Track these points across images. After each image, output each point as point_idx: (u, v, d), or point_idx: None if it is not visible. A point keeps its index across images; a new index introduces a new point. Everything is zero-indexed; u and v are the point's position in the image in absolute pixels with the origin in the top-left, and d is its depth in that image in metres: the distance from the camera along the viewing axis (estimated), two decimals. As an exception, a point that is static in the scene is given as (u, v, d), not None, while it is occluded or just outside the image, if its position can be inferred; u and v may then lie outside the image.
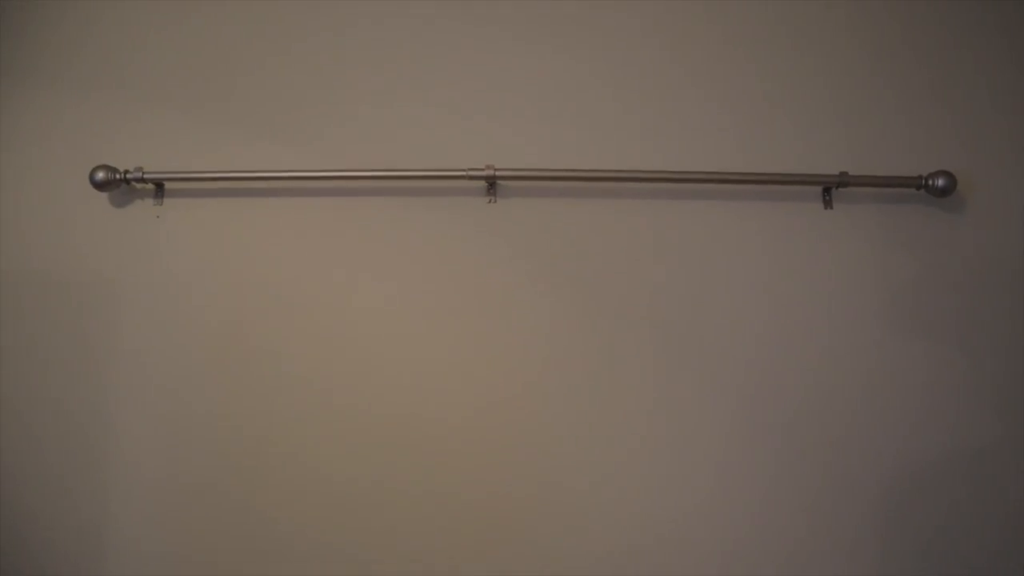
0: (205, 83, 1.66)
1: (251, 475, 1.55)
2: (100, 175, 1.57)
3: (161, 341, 1.58)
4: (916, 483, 1.56)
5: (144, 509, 1.55)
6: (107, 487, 1.55)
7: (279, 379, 1.57)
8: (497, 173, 1.55)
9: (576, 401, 1.57)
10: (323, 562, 1.53)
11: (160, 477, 1.55)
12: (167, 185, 1.62)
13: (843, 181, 1.58)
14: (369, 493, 1.55)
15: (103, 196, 1.62)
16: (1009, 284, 1.61)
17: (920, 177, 1.59)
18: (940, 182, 1.58)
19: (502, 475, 1.55)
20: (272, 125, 1.65)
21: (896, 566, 1.54)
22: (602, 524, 1.54)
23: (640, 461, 1.56)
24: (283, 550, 1.54)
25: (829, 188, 1.62)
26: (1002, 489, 1.56)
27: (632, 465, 1.56)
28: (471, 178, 1.55)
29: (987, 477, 1.56)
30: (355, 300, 1.59)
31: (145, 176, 1.57)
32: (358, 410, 1.56)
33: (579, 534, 1.54)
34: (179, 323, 1.59)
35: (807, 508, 1.55)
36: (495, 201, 1.62)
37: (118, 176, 1.57)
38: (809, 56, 1.68)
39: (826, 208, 1.63)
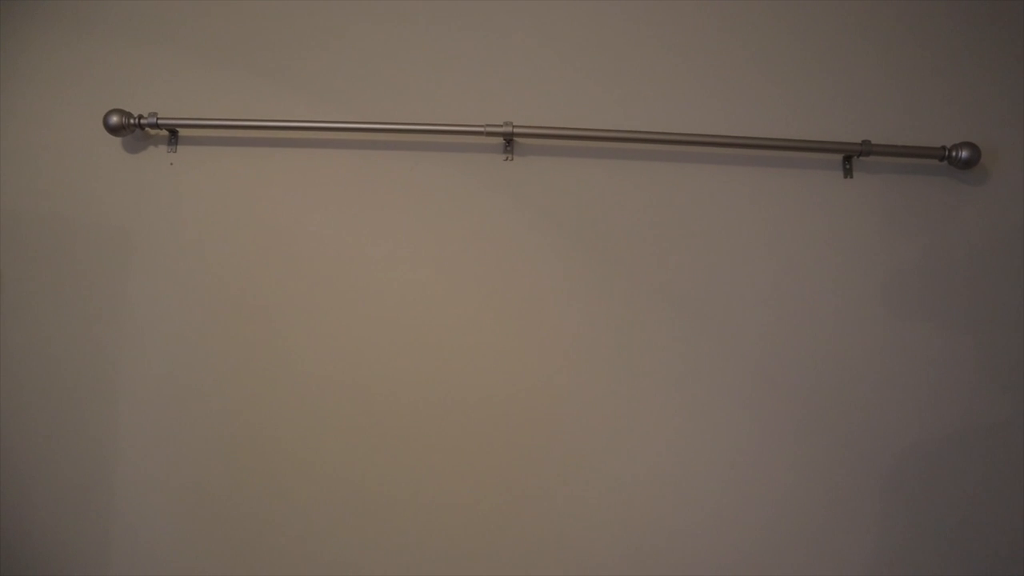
0: (223, 31, 1.63)
1: (261, 435, 1.56)
2: (114, 119, 1.55)
3: (171, 289, 1.58)
4: (931, 461, 1.56)
5: (152, 466, 1.55)
6: (113, 440, 1.56)
7: (289, 333, 1.57)
8: (515, 130, 1.53)
9: (590, 367, 1.56)
10: (325, 556, 1.54)
11: (168, 430, 1.56)
12: (181, 132, 1.61)
13: (865, 150, 1.56)
14: (376, 473, 1.56)
15: (117, 141, 1.61)
16: (1028, 259, 1.60)
17: (944, 148, 1.57)
18: (964, 154, 1.56)
19: (518, 450, 1.55)
20: (289, 75, 1.63)
21: (910, 544, 1.55)
22: (621, 504, 1.56)
23: (653, 430, 1.56)
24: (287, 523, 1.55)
25: (850, 156, 1.60)
26: (1015, 467, 1.57)
27: (645, 434, 1.56)
28: (489, 134, 1.54)
29: (1000, 455, 1.57)
30: (367, 254, 1.58)
31: (159, 122, 1.55)
32: (365, 370, 1.56)
33: (594, 513, 1.56)
34: (189, 272, 1.58)
35: (821, 487, 1.55)
36: (512, 159, 1.60)
37: (132, 121, 1.55)
38: (835, 21, 1.64)
39: (846, 177, 1.61)
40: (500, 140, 1.58)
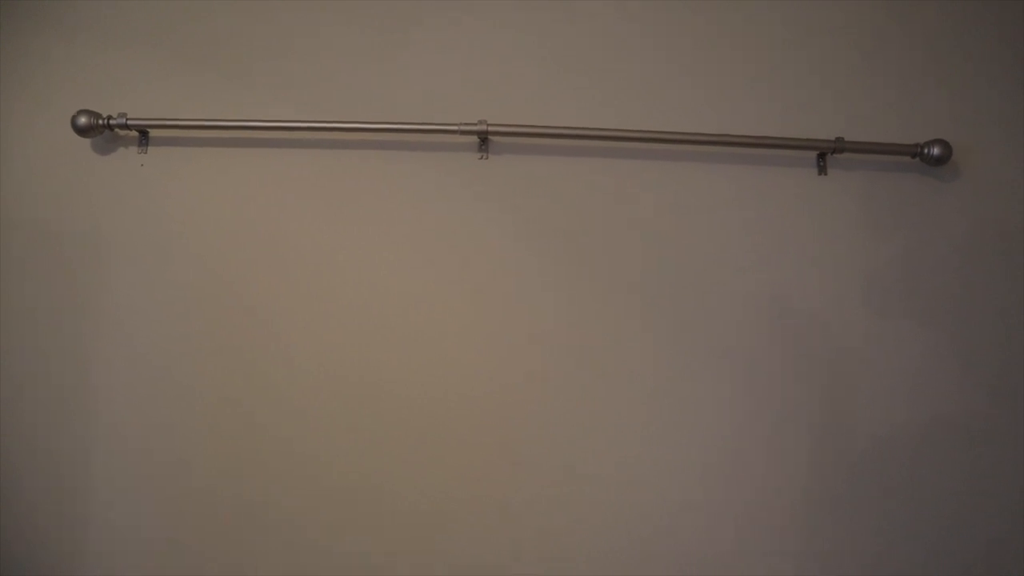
0: (192, 30, 1.62)
1: (237, 438, 1.53)
2: (82, 120, 1.53)
3: (144, 293, 1.55)
4: (910, 456, 1.57)
5: (126, 476, 1.52)
6: (88, 448, 1.53)
7: (264, 336, 1.55)
8: (490, 128, 1.52)
9: (568, 365, 1.56)
10: (313, 550, 1.52)
11: (143, 437, 1.53)
12: (152, 133, 1.58)
13: (839, 147, 1.57)
14: (354, 465, 1.54)
15: (85, 142, 1.58)
16: (1002, 255, 1.61)
17: (916, 145, 1.58)
18: (936, 151, 1.57)
19: (494, 448, 1.54)
20: (261, 75, 1.61)
21: (890, 537, 1.55)
22: (594, 494, 1.55)
23: (632, 426, 1.55)
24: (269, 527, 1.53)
25: (824, 154, 1.61)
26: (992, 464, 1.57)
27: (623, 429, 1.55)
28: (463, 133, 1.53)
29: (978, 449, 1.57)
30: (341, 255, 1.57)
31: (129, 123, 1.53)
32: (339, 368, 1.55)
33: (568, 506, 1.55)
34: (162, 275, 1.56)
35: (799, 483, 1.55)
36: (487, 157, 1.59)
37: (101, 122, 1.53)
38: (809, 19, 1.65)
39: (820, 174, 1.62)
40: (475, 139, 1.57)
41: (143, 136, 1.58)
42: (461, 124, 1.52)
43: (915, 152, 1.58)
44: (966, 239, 1.61)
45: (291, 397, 1.54)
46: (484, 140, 1.57)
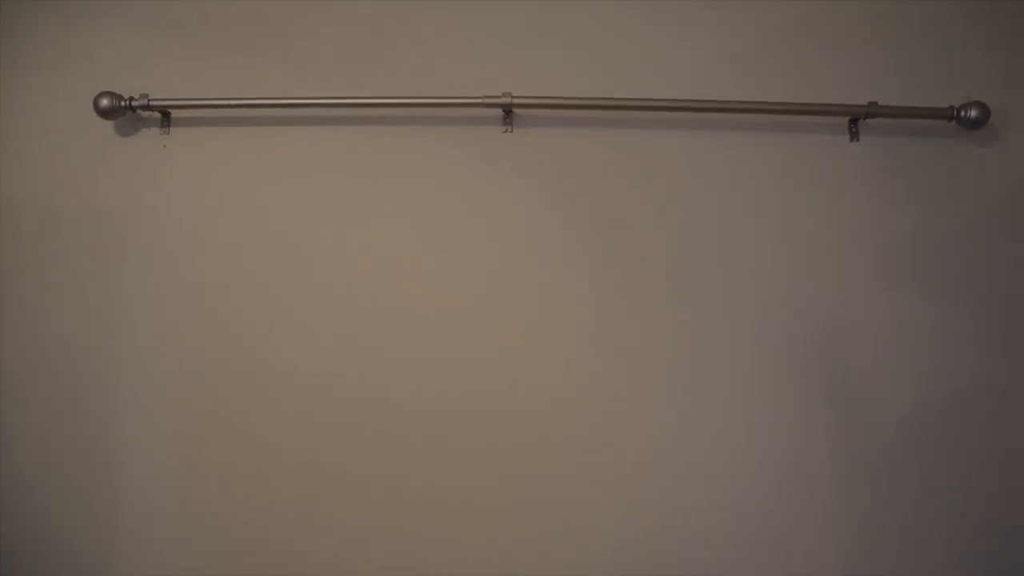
0: (213, 9, 1.60)
1: (260, 426, 1.53)
2: (104, 102, 1.52)
3: (168, 274, 1.55)
4: (935, 423, 1.54)
5: (149, 454, 1.53)
6: (109, 432, 1.53)
7: (287, 315, 1.54)
8: (514, 101, 1.50)
9: (595, 344, 1.53)
10: (321, 550, 1.51)
11: (165, 418, 1.53)
12: (174, 114, 1.58)
13: (871, 112, 1.53)
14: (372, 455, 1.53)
15: (108, 124, 1.58)
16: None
17: (952, 108, 1.54)
18: (973, 113, 1.53)
19: (522, 435, 1.52)
20: (282, 52, 1.59)
21: (916, 506, 1.53)
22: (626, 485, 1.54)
23: (658, 407, 1.53)
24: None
25: (856, 119, 1.57)
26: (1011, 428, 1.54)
27: (651, 411, 1.53)
28: (487, 106, 1.50)
29: (995, 420, 1.54)
30: (366, 233, 1.56)
31: (151, 104, 1.53)
32: (365, 353, 1.54)
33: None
34: (187, 256, 1.56)
35: (827, 458, 1.53)
36: (511, 131, 1.57)
37: (123, 103, 1.52)
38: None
39: (852, 140, 1.58)
40: (499, 111, 1.54)
41: (165, 117, 1.58)
42: (485, 97, 1.50)
43: (951, 115, 1.54)
44: (1005, 202, 1.57)
45: (314, 384, 1.53)
46: (508, 113, 1.55)
